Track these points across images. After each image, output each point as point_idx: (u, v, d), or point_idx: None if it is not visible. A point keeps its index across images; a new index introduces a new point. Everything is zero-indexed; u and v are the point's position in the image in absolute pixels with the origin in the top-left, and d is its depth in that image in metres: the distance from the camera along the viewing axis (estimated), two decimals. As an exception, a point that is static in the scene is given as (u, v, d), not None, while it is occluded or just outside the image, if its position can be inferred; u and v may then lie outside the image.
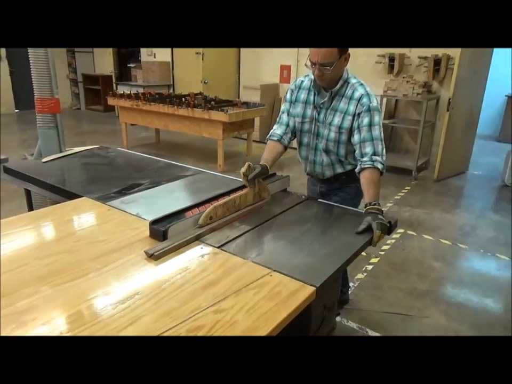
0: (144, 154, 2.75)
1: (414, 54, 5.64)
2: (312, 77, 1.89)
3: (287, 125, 2.00)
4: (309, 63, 1.80)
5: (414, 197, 4.59)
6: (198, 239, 1.48)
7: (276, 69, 7.09)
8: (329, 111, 1.88)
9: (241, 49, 7.43)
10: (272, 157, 1.91)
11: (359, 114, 1.81)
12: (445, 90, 5.38)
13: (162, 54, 8.52)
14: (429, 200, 4.53)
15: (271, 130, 2.04)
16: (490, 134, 7.91)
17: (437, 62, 5.37)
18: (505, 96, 7.72)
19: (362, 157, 1.80)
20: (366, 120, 1.79)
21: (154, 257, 1.34)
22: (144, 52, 8.88)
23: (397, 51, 5.66)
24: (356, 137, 1.83)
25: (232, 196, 1.70)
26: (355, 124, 1.82)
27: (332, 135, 1.89)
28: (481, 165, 5.87)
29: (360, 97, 1.80)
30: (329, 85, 1.85)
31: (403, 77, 5.38)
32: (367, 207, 1.66)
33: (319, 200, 1.99)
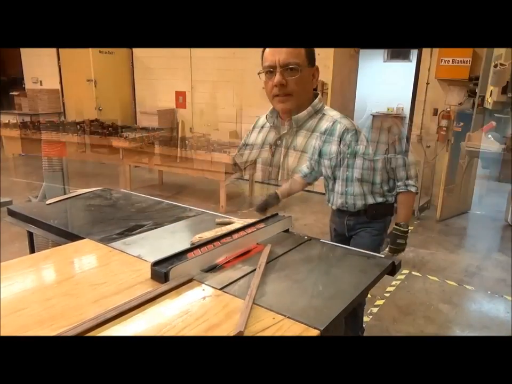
0: (142, 195, 2.76)
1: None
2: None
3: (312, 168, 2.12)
4: (263, 75, 1.43)
5: (417, 236, 4.56)
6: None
7: (172, 95, 7.37)
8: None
9: (135, 75, 7.67)
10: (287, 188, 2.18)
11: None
12: (443, 131, 5.48)
13: (49, 82, 8.23)
14: (433, 240, 4.49)
15: (302, 167, 2.13)
16: (491, 174, 7.95)
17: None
18: (503, 137, 7.85)
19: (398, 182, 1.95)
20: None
21: None
22: (28, 79, 8.53)
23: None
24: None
25: None
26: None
27: (367, 163, 1.89)
28: (483, 205, 5.87)
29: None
30: (293, 107, 1.63)
31: (401, 119, 5.50)
32: (394, 227, 1.93)
33: (321, 240, 1.98)
